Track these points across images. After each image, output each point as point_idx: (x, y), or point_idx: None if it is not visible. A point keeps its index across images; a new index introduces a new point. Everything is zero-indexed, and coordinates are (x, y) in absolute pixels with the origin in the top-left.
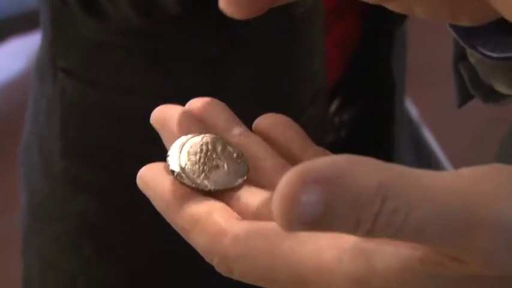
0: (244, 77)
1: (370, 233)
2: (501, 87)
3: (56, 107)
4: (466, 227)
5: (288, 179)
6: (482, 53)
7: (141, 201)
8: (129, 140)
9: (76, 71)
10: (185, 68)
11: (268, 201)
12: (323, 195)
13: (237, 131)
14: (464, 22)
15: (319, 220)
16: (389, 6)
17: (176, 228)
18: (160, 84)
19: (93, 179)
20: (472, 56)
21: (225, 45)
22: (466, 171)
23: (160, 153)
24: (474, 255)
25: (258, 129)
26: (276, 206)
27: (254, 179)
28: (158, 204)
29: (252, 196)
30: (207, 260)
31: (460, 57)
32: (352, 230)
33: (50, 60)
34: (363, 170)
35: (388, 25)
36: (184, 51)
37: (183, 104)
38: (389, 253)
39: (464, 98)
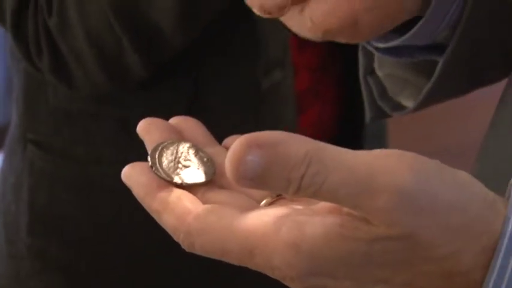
0: None
1: (297, 191)
2: (407, 101)
3: (25, 180)
4: (370, 190)
5: (237, 143)
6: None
7: (111, 282)
8: (96, 213)
9: (45, 142)
10: None
11: (227, 198)
12: (262, 157)
13: (210, 144)
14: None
15: (260, 177)
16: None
17: (151, 212)
18: (127, 152)
19: (60, 255)
20: (380, 69)
21: (189, 114)
22: (377, 150)
23: (131, 227)
24: (378, 214)
25: (227, 145)
26: (227, 163)
27: (219, 182)
28: (138, 192)
29: (214, 192)
30: (174, 238)
31: (370, 71)
32: (284, 188)
33: (20, 134)
34: (294, 141)
35: (359, 120)
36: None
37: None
38: (317, 221)
39: (374, 111)
